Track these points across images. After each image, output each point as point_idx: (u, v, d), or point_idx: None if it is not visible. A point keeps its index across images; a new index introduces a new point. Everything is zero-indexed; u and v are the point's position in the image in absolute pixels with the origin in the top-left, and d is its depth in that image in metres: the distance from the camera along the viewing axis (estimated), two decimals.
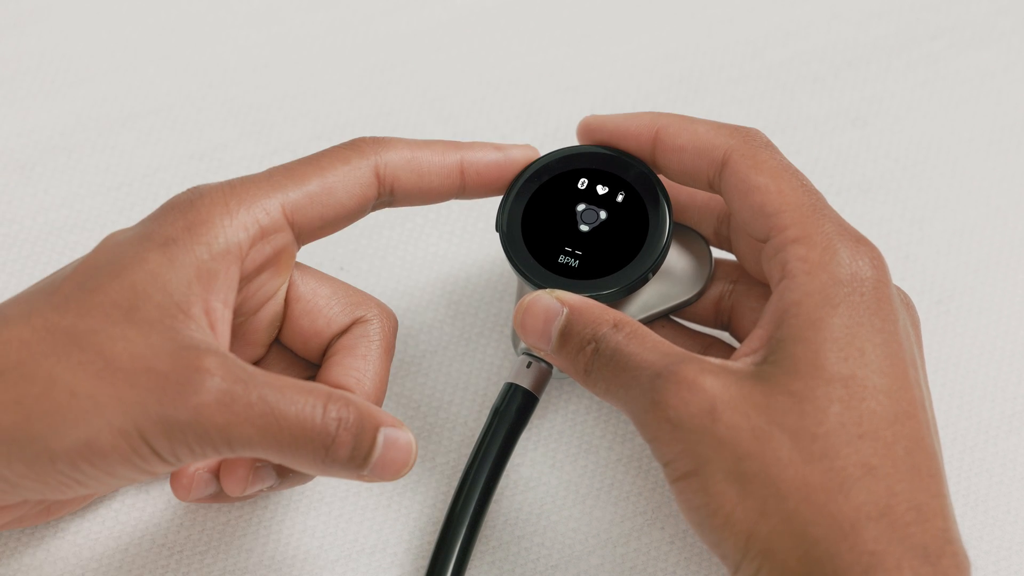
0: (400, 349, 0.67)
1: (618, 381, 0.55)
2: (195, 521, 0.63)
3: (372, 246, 0.70)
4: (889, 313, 0.55)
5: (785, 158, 0.58)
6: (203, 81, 0.74)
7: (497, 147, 0.61)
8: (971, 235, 0.71)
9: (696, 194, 0.63)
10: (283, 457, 0.53)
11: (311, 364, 0.62)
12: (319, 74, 0.74)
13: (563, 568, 0.64)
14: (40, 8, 0.75)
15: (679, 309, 0.63)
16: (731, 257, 0.64)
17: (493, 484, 0.61)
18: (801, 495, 0.52)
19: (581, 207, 0.61)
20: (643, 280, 0.60)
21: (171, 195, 0.57)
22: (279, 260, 0.58)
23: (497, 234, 0.62)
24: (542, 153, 0.62)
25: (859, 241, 0.56)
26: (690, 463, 0.53)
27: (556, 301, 0.57)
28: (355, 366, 0.59)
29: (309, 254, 0.68)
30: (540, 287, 0.60)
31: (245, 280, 0.57)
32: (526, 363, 0.62)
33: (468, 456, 0.62)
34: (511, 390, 0.62)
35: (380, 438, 0.54)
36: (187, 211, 0.55)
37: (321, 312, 0.60)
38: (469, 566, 0.62)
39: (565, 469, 0.66)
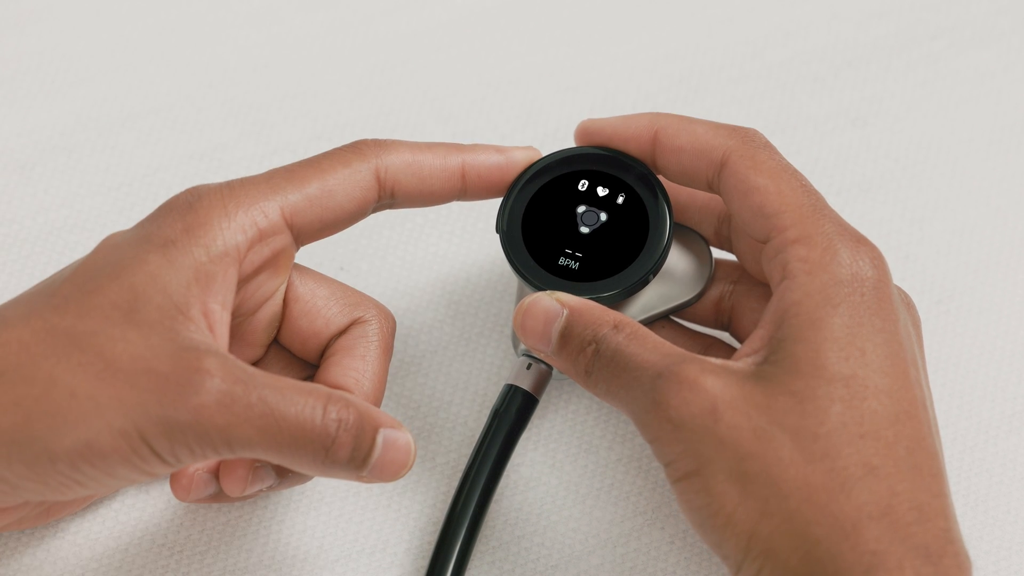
0: (400, 349, 0.67)
1: (619, 382, 0.55)
2: (195, 521, 0.63)
3: (372, 246, 0.70)
4: (890, 313, 0.55)
5: (784, 158, 0.58)
6: (203, 81, 0.74)
7: (499, 149, 0.61)
8: (971, 235, 0.71)
9: (696, 194, 0.63)
10: (283, 458, 0.53)
11: (309, 364, 0.62)
12: (319, 74, 0.74)
13: (563, 568, 0.64)
14: (40, 8, 0.75)
15: (680, 310, 0.63)
16: (731, 257, 0.64)
17: (493, 485, 0.61)
18: (802, 495, 0.51)
19: (581, 209, 0.61)
20: (644, 282, 0.60)
21: (171, 195, 0.57)
22: (277, 261, 0.58)
23: (497, 235, 0.62)
24: (543, 154, 0.62)
25: (859, 241, 0.56)
26: (691, 463, 0.53)
27: (556, 303, 0.57)
28: (353, 367, 0.59)
29: (309, 254, 0.68)
30: (540, 289, 0.60)
31: (243, 281, 0.57)
32: (526, 364, 0.62)
33: (468, 456, 0.62)
34: (511, 392, 0.61)
35: (379, 439, 0.54)
36: (186, 213, 0.55)
37: (319, 313, 0.60)
38: (469, 566, 0.62)
39: (565, 469, 0.65)
